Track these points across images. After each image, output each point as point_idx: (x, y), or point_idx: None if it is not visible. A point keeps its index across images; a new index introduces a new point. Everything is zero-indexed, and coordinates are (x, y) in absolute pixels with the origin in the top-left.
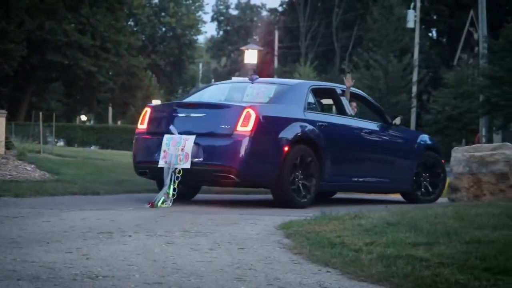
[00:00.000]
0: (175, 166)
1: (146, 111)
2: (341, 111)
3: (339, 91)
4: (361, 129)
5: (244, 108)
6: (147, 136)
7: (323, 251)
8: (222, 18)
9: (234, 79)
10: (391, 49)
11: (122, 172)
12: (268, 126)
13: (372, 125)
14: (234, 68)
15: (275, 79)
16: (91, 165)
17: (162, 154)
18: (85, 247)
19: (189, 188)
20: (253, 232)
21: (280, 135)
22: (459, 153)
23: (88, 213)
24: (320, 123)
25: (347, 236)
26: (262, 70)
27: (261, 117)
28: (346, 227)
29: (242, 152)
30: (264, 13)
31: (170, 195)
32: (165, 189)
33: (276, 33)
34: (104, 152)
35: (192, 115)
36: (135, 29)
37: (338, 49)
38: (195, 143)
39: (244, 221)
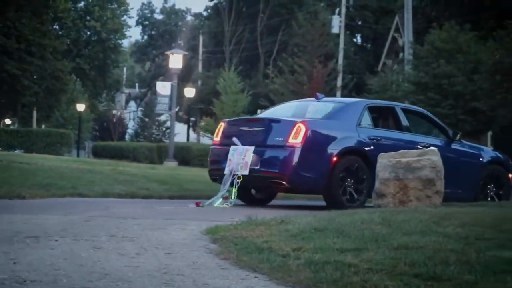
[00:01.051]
0: (236, 173)
1: (221, 125)
2: (399, 126)
3: (397, 109)
4: (416, 142)
5: (296, 123)
6: (219, 147)
7: (250, 256)
8: (147, 22)
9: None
10: (316, 54)
11: (46, 175)
12: (318, 139)
13: (429, 140)
14: (159, 73)
15: (337, 98)
16: (16, 168)
17: (228, 162)
18: (13, 251)
19: (266, 194)
20: (179, 237)
21: (329, 147)
22: (385, 159)
23: (14, 217)
24: (373, 137)
25: (274, 242)
26: (186, 74)
27: (310, 131)
28: (273, 233)
29: (292, 161)
30: (189, 17)
31: (232, 198)
32: (221, 192)
33: (201, 38)
34: (28, 155)
35: (254, 129)
36: (60, 32)
37: (262, 54)
38: (254, 152)
39: (170, 226)
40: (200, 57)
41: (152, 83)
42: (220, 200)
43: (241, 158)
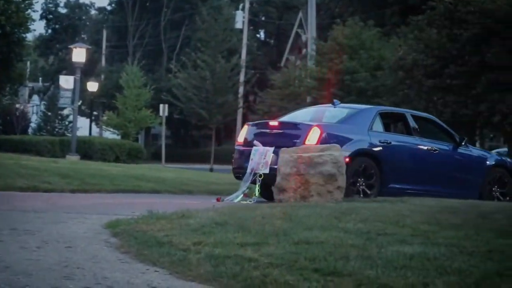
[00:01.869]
0: (257, 172)
1: (244, 127)
2: (408, 131)
3: (407, 115)
4: (423, 146)
5: (312, 126)
6: (243, 148)
7: (151, 250)
8: (51, 16)
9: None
10: (219, 49)
11: None
12: (332, 141)
13: (437, 144)
14: (62, 67)
15: (352, 105)
16: None
17: (250, 162)
18: None
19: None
20: (80, 230)
21: (342, 149)
22: (287, 154)
23: None
24: (383, 141)
25: (175, 236)
26: (90, 69)
27: (325, 134)
28: (173, 227)
29: None
30: (93, 12)
31: (256, 195)
32: (242, 189)
33: (105, 32)
34: None
35: (274, 131)
36: None
37: (166, 49)
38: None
39: (71, 219)
40: (104, 52)
41: (56, 77)
42: (241, 196)
43: (262, 158)
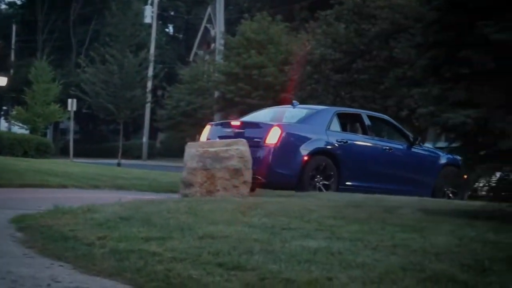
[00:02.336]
0: None
1: (207, 127)
2: (364, 131)
3: (363, 115)
4: (379, 145)
5: (272, 126)
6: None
7: (56, 245)
8: None
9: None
10: (128, 44)
11: None
12: (291, 140)
13: (392, 143)
14: None
15: (310, 106)
16: None
17: None
18: None
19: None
20: None
21: (301, 148)
22: (193, 148)
23: None
24: (340, 140)
25: (80, 230)
26: None
27: (285, 133)
28: (79, 221)
29: (268, 159)
30: (3, 6)
31: None
32: None
33: (14, 27)
34: None
35: (236, 130)
36: None
37: (75, 43)
38: None
39: None
40: (13, 46)
41: None
42: None
43: None
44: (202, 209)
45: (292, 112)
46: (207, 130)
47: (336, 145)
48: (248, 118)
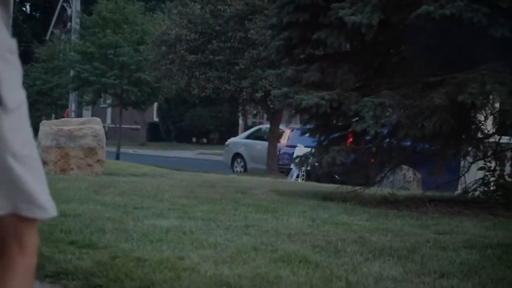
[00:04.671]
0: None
1: (287, 132)
2: None
3: None
4: None
5: None
6: (286, 148)
7: None
8: None
9: None
10: None
11: None
12: None
13: None
14: None
15: None
16: None
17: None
18: None
19: None
20: None
21: None
22: (47, 127)
23: None
24: None
25: None
26: None
27: None
28: None
29: None
30: None
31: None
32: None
33: None
34: None
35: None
36: None
37: None
38: None
39: None
40: None
41: None
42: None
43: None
44: (55, 187)
45: None
46: (287, 134)
47: None
48: None
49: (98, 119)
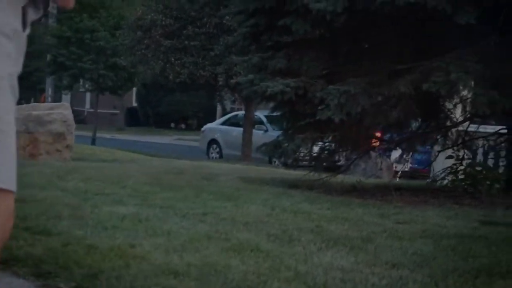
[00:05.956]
0: None
1: None
2: None
3: None
4: None
5: None
6: None
7: None
8: None
9: None
10: None
11: None
12: None
13: None
14: None
15: None
16: None
17: None
18: None
19: None
20: None
21: None
22: (16, 112)
23: None
24: None
25: None
26: None
27: None
28: None
29: None
30: None
31: None
32: None
33: None
34: None
35: None
36: None
37: None
38: None
39: None
40: None
41: None
42: None
43: None
44: (19, 173)
45: None
46: None
47: None
48: None
49: (67, 104)
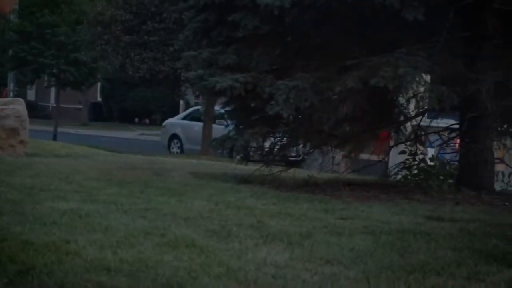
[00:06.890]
0: None
1: None
2: None
3: None
4: None
5: None
6: None
7: None
8: None
9: None
10: None
11: None
12: None
13: None
14: None
15: None
16: None
17: None
18: None
19: None
20: None
21: None
22: None
23: None
24: None
25: None
26: None
27: None
28: None
29: None
30: None
31: None
32: None
33: None
34: None
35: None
36: None
37: None
38: None
39: None
40: None
41: None
42: None
43: None
44: None
45: None
46: None
47: None
48: None
49: (21, 100)
